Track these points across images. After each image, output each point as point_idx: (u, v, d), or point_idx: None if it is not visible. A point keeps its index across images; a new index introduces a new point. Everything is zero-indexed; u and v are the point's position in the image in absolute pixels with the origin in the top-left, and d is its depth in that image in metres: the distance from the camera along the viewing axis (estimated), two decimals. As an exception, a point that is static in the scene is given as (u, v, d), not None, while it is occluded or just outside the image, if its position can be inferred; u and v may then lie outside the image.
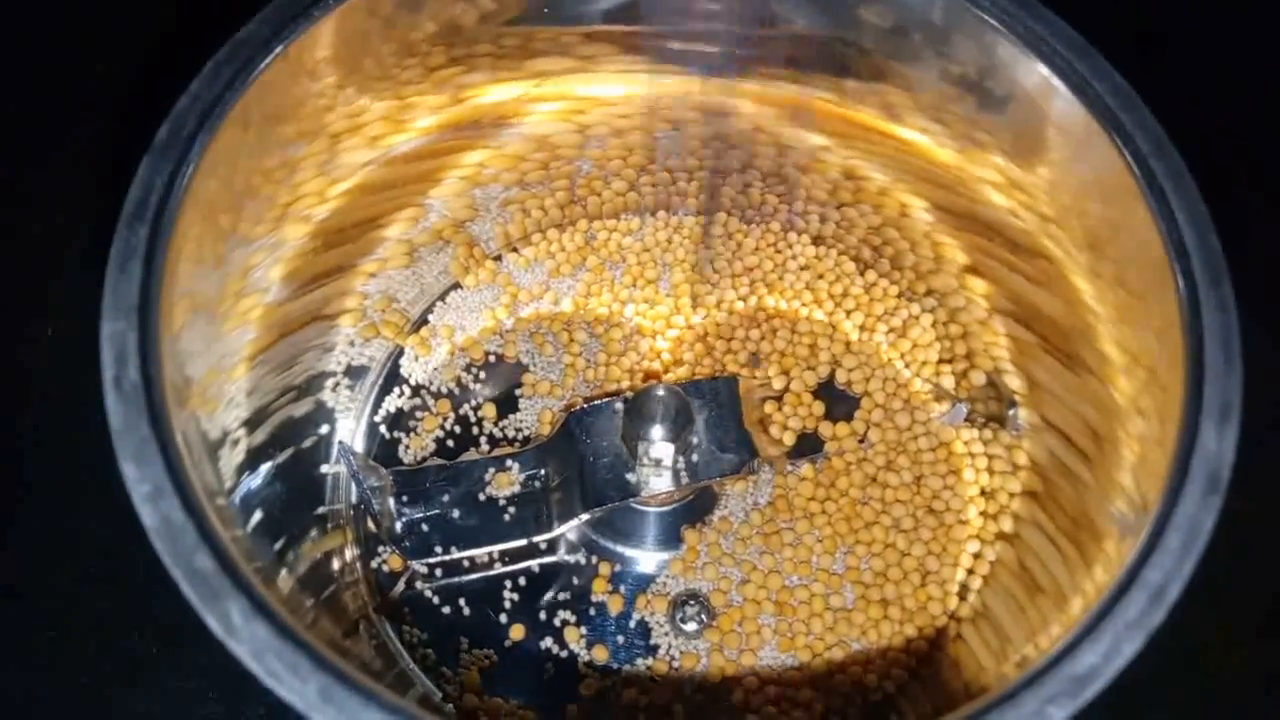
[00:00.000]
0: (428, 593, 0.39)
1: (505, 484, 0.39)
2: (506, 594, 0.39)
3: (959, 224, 0.39)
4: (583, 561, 0.39)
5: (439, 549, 0.38)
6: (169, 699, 0.38)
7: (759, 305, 0.43)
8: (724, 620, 0.38)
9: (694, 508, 0.40)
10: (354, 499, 0.39)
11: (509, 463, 0.39)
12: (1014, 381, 0.39)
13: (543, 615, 0.39)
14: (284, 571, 0.33)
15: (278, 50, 0.30)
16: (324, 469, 0.39)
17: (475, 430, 0.41)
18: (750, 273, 0.44)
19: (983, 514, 0.40)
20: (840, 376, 0.42)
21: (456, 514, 0.38)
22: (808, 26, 0.35)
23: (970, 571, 0.39)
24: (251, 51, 0.30)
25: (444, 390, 0.42)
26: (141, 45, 0.48)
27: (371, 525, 0.39)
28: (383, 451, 0.41)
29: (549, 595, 0.39)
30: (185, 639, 0.38)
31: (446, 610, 0.38)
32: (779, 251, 0.44)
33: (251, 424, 0.33)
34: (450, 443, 0.41)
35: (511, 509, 0.39)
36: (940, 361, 0.42)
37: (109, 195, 0.30)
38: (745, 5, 0.35)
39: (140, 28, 0.49)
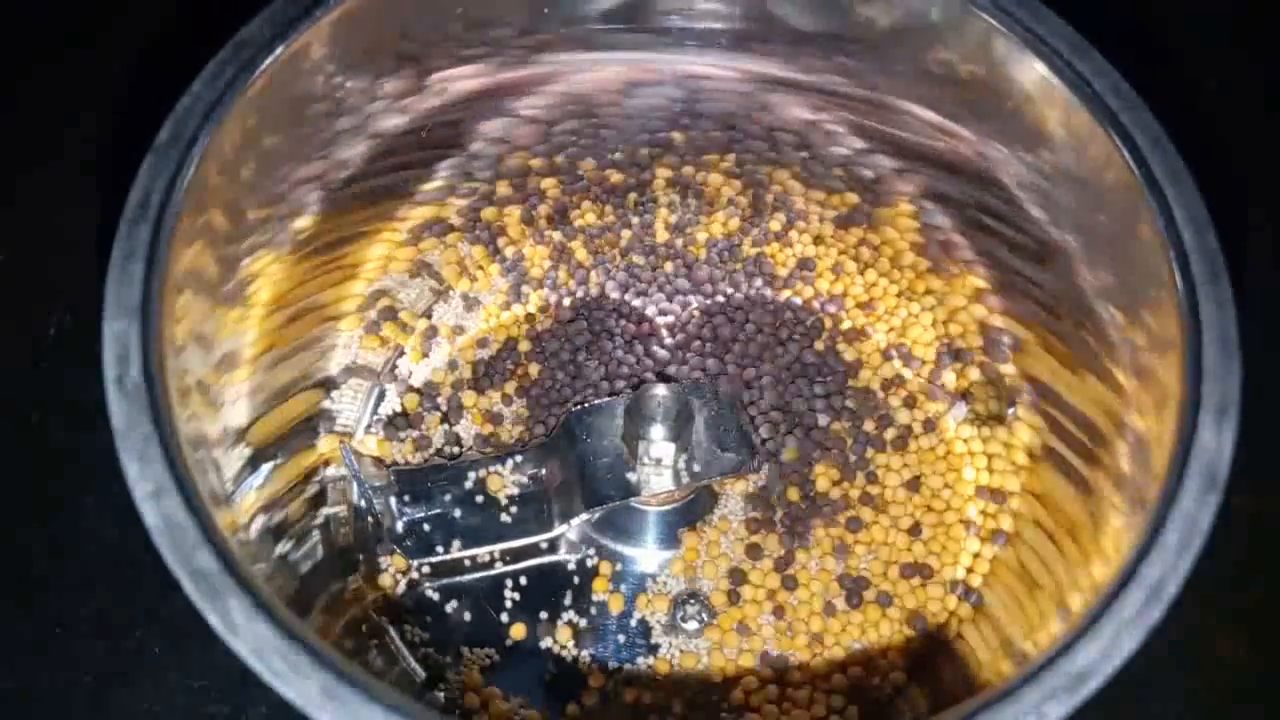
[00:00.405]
0: (429, 592, 0.39)
1: (506, 484, 0.39)
2: (507, 593, 0.39)
3: (958, 223, 0.39)
4: (584, 561, 0.39)
5: (440, 548, 0.38)
6: (172, 698, 0.38)
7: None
8: (724, 620, 0.38)
9: (694, 507, 0.40)
10: (355, 499, 0.39)
11: (510, 462, 0.39)
12: (1014, 380, 0.39)
13: (544, 614, 0.39)
14: (285, 571, 0.33)
15: (279, 50, 0.30)
16: (325, 469, 0.39)
17: (476, 430, 0.41)
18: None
19: (982, 512, 0.40)
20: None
21: (457, 513, 0.39)
22: (807, 26, 0.35)
23: (970, 570, 0.39)
24: (253, 52, 0.30)
25: (445, 390, 0.42)
26: (141, 43, 0.49)
27: (373, 525, 0.39)
28: (384, 451, 0.41)
29: (550, 595, 0.39)
30: (188, 638, 0.38)
31: (448, 609, 0.39)
32: (780, 250, 0.44)
33: (253, 424, 0.33)
34: (451, 443, 0.41)
35: (512, 508, 0.39)
36: (940, 360, 0.42)
37: (109, 193, 0.30)
38: (745, 4, 0.36)
39: (140, 25, 0.49)
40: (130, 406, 0.26)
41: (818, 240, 0.44)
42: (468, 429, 0.41)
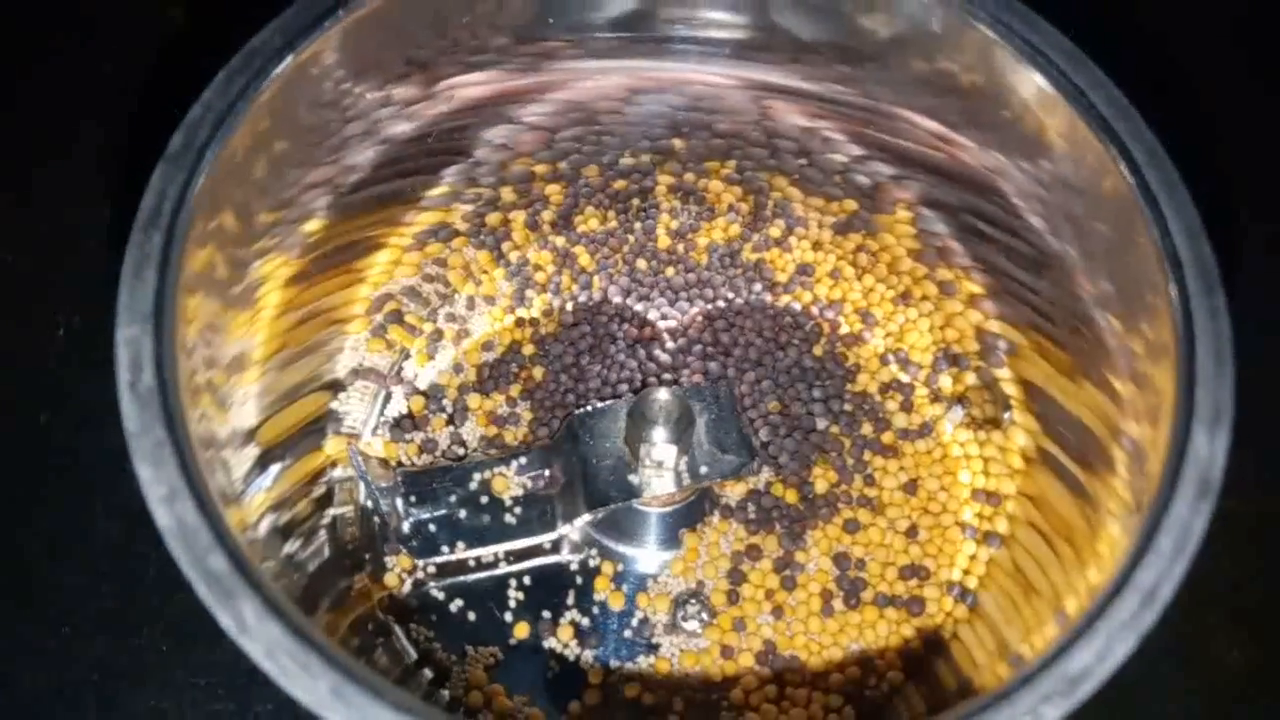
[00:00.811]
0: (434, 591, 0.39)
1: (510, 485, 0.39)
2: (511, 593, 0.39)
3: (955, 229, 0.39)
4: (586, 561, 0.40)
5: (445, 548, 0.39)
6: (179, 696, 0.38)
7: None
8: (724, 620, 0.39)
9: (695, 508, 0.40)
10: (362, 499, 0.40)
11: (514, 464, 0.39)
12: (1010, 385, 0.40)
13: (546, 614, 0.39)
14: (294, 571, 0.33)
15: (290, 59, 0.30)
16: (332, 470, 0.40)
17: (480, 432, 0.42)
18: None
19: (978, 515, 0.40)
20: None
21: (463, 514, 0.39)
22: (809, 36, 0.36)
23: (966, 572, 0.39)
24: (264, 60, 0.30)
25: (450, 393, 0.42)
26: (154, 45, 0.49)
27: (379, 525, 0.39)
28: (390, 453, 0.41)
29: (553, 594, 0.39)
30: (195, 637, 0.39)
31: (453, 609, 0.39)
32: (779, 255, 0.44)
33: (261, 425, 0.34)
34: (456, 444, 0.41)
35: (516, 509, 0.39)
36: (936, 364, 0.43)
37: (120, 196, 0.30)
38: (747, 15, 0.36)
39: (150, 28, 0.49)
40: (143, 411, 0.26)
41: (817, 246, 0.44)
42: (473, 431, 0.42)
